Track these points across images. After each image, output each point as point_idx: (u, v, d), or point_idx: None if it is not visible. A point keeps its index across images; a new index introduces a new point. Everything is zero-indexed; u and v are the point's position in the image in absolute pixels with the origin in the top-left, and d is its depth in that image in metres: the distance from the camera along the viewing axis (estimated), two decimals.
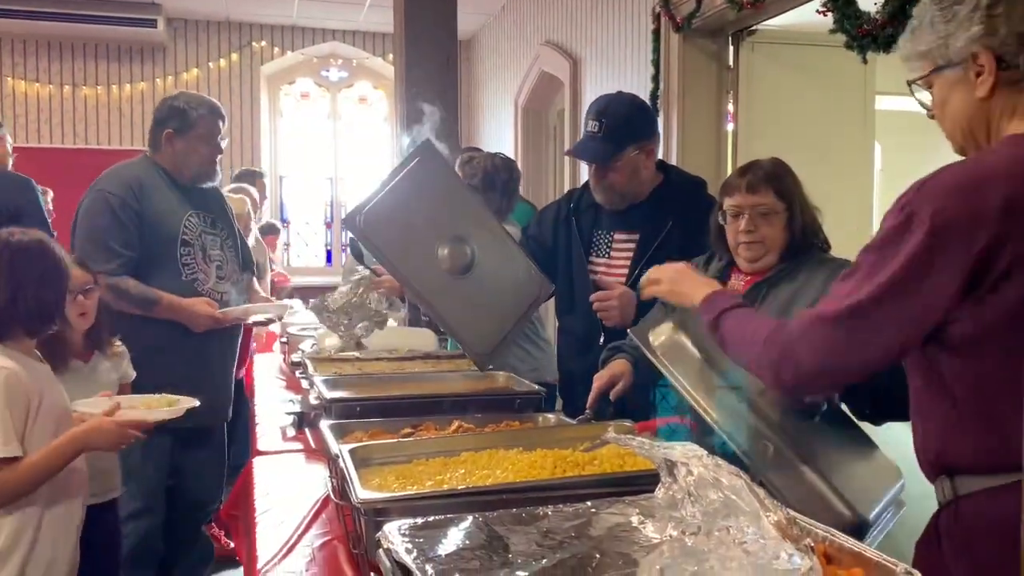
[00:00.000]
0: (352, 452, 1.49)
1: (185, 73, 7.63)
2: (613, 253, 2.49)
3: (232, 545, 3.14)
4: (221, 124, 3.04)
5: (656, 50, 4.41)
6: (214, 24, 7.67)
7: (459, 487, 1.32)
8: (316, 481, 2.00)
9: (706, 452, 0.99)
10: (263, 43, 7.82)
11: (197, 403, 2.19)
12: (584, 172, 5.50)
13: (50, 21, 6.95)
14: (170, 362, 2.78)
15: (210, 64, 7.69)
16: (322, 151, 8.43)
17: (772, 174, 1.95)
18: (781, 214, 1.92)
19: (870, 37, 2.85)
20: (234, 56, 7.75)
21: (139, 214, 2.84)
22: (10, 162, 3.99)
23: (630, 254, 2.44)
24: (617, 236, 2.49)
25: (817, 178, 4.38)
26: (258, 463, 2.32)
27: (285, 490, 2.05)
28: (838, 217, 4.37)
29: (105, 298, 2.64)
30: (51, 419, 1.91)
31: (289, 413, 2.59)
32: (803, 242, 1.95)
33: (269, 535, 1.81)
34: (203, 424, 2.80)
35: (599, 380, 2.08)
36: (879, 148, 7.44)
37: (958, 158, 1.39)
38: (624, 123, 2.39)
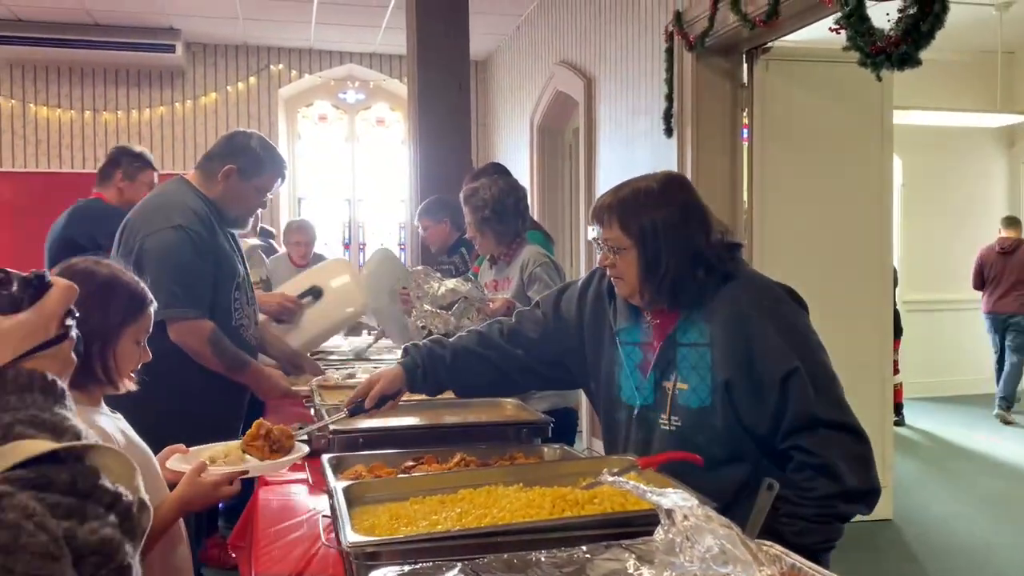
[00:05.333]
0: (347, 490, 1.45)
1: (203, 97, 7.71)
2: None
3: None
4: (280, 183, 2.88)
5: (669, 69, 4.38)
6: (231, 48, 7.75)
7: (452, 529, 1.27)
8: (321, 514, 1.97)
9: (697, 502, 0.95)
10: (280, 66, 7.88)
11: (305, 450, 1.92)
12: (603, 191, 5.48)
13: (71, 48, 7.07)
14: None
15: (228, 88, 7.77)
16: (340, 173, 8.48)
17: (619, 204, 1.70)
18: (631, 249, 1.68)
19: (884, 55, 2.80)
20: (252, 80, 7.82)
21: (214, 253, 2.64)
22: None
23: None
24: None
25: (835, 195, 4.38)
26: (263, 493, 2.29)
27: (289, 523, 2.02)
28: (857, 234, 4.35)
29: (192, 346, 2.52)
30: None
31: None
32: (689, 282, 1.67)
33: (272, 569, 1.78)
34: None
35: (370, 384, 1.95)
36: (900, 163, 7.37)
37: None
38: None
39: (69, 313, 0.81)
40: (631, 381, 1.80)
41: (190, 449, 1.94)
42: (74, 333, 0.81)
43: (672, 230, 1.66)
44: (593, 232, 1.77)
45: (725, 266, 1.69)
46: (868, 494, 1.60)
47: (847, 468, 1.57)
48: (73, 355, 0.82)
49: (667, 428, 1.71)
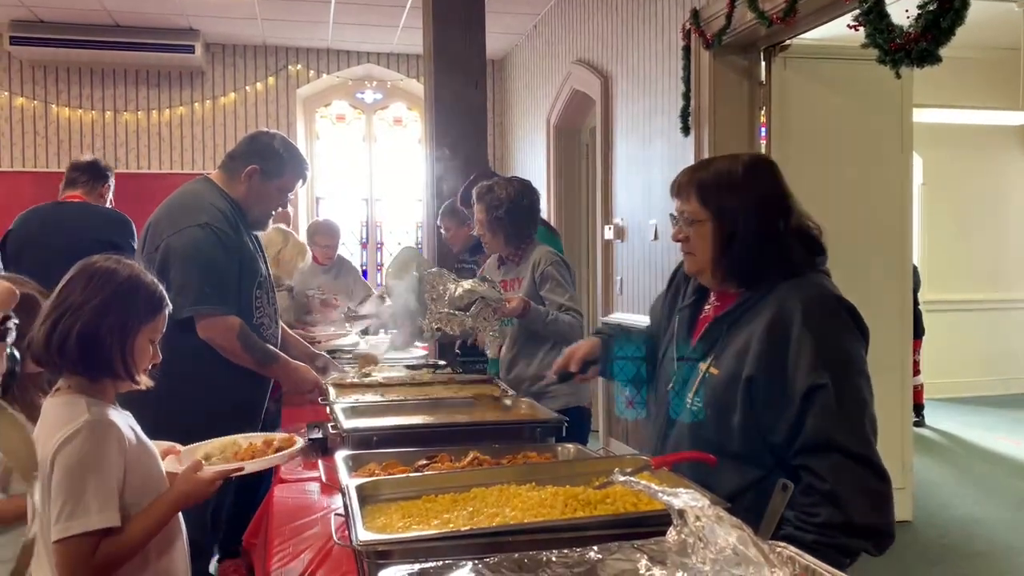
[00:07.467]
0: (359, 488, 1.45)
1: (223, 97, 7.76)
2: None
3: None
4: (301, 184, 2.90)
5: (687, 67, 4.36)
6: (250, 48, 7.79)
7: (463, 528, 1.27)
8: (334, 512, 1.98)
9: (709, 502, 0.94)
10: (299, 66, 7.92)
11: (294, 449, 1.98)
12: (620, 191, 5.48)
13: (92, 49, 7.13)
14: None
15: (247, 88, 7.81)
16: (358, 172, 8.50)
17: (701, 177, 1.70)
18: (706, 223, 1.67)
19: (903, 51, 2.77)
20: (270, 80, 7.86)
21: (238, 252, 2.66)
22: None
23: None
24: None
25: (854, 194, 4.33)
26: (279, 491, 2.30)
27: (303, 521, 2.03)
28: (877, 233, 4.31)
29: (221, 342, 2.55)
30: (140, 474, 1.68)
31: (311, 439, 2.57)
32: (760, 263, 1.65)
33: (285, 567, 1.78)
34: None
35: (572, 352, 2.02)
36: (920, 162, 7.29)
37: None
38: None
39: (7, 318, 0.81)
40: (620, 398, 1.86)
41: (183, 449, 1.96)
42: (10, 339, 0.81)
43: (750, 210, 1.65)
44: (676, 204, 1.75)
45: (797, 258, 1.66)
46: (876, 533, 1.51)
47: (857, 502, 1.50)
48: (5, 358, 0.81)
49: (690, 407, 1.70)
